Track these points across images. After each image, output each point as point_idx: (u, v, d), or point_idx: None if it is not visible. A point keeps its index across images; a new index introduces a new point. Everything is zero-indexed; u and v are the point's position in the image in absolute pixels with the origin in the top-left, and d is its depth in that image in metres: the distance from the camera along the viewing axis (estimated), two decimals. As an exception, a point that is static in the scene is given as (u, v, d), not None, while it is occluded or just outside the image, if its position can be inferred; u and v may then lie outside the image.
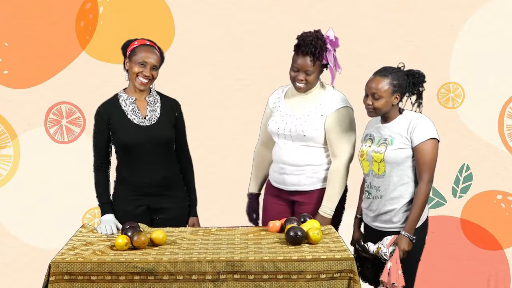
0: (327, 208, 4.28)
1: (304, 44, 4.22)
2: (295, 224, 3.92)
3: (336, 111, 4.27)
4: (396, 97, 3.94)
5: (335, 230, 4.13)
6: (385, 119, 4.03)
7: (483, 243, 5.77)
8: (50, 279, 3.47)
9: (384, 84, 3.91)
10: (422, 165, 3.89)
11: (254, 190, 4.68)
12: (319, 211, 4.30)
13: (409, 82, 3.98)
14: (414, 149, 3.91)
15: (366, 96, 3.98)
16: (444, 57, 5.64)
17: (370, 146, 4.05)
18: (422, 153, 3.89)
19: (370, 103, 3.95)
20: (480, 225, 5.76)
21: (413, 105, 4.04)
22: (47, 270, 3.50)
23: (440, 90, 5.65)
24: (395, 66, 4.03)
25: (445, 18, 5.61)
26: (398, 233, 3.94)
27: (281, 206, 4.46)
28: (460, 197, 5.73)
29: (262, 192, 4.70)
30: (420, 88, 4.03)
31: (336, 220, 4.37)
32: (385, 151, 3.93)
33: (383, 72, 3.97)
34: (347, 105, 4.30)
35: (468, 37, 5.63)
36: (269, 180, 4.59)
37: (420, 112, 4.03)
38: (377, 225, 4.09)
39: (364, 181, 4.23)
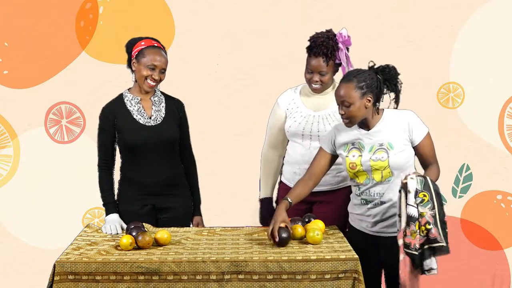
0: None
1: (316, 46, 4.21)
2: (299, 224, 3.92)
3: None
4: (368, 99, 3.80)
5: (339, 230, 4.13)
6: (367, 125, 3.90)
7: (483, 243, 5.78)
8: (55, 278, 3.47)
9: (350, 89, 3.78)
10: (428, 157, 3.89)
11: (268, 194, 4.61)
12: None
13: (379, 80, 3.83)
14: (416, 147, 3.87)
15: (339, 106, 3.86)
16: (444, 57, 5.64)
17: (361, 156, 3.90)
18: (425, 148, 3.87)
19: (343, 112, 3.82)
20: (480, 225, 5.76)
21: (394, 101, 3.91)
22: (51, 270, 3.50)
23: (440, 90, 5.65)
24: (365, 68, 3.91)
25: (445, 18, 5.61)
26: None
27: (300, 210, 4.36)
28: (460, 197, 5.73)
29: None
30: (397, 83, 3.89)
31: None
32: (388, 157, 3.83)
33: (348, 77, 3.84)
34: None
35: (468, 37, 5.63)
36: (284, 184, 4.55)
37: (396, 108, 3.93)
38: (379, 230, 3.96)
39: (300, 178, 4.12)
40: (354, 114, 3.80)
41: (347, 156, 3.94)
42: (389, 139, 3.85)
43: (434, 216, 3.58)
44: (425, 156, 3.90)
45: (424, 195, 3.59)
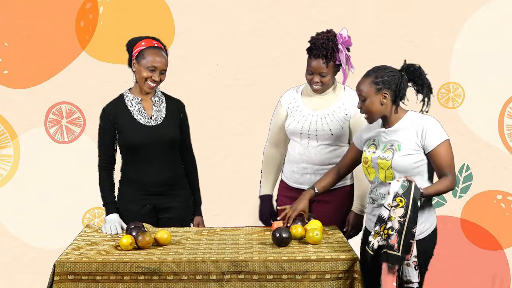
0: (361, 205, 4.34)
1: (316, 47, 4.22)
2: (299, 224, 3.92)
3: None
4: (384, 96, 3.76)
5: (339, 230, 4.13)
6: (387, 123, 3.87)
7: (483, 243, 5.78)
8: (55, 278, 3.47)
9: (366, 84, 3.77)
10: (443, 168, 3.75)
11: (268, 191, 4.62)
12: (352, 209, 4.37)
13: (404, 78, 3.79)
14: (429, 154, 3.76)
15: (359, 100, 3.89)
16: (444, 57, 5.64)
17: (374, 152, 3.87)
18: (439, 156, 3.74)
19: (360, 106, 3.84)
20: (480, 225, 5.76)
21: (422, 103, 3.83)
22: (51, 270, 3.50)
23: (440, 90, 5.65)
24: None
25: (445, 18, 5.61)
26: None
27: None
28: (460, 197, 5.73)
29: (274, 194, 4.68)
30: (423, 84, 3.81)
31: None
32: (392, 158, 3.77)
33: (369, 71, 3.83)
34: None
35: (468, 37, 5.63)
36: (284, 182, 4.56)
37: (427, 111, 3.84)
38: None
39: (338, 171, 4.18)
40: (369, 109, 3.80)
41: (365, 151, 3.95)
42: (400, 141, 3.80)
43: (401, 224, 3.54)
44: (439, 166, 3.77)
45: (400, 201, 3.57)
